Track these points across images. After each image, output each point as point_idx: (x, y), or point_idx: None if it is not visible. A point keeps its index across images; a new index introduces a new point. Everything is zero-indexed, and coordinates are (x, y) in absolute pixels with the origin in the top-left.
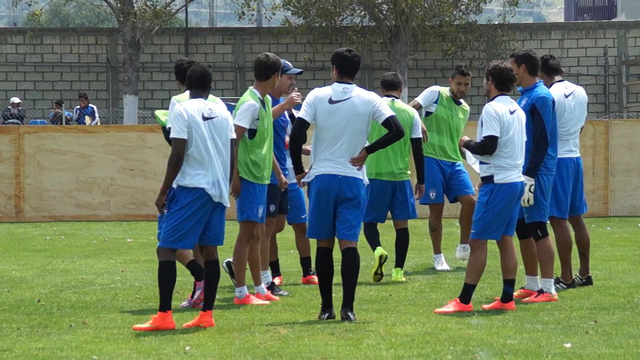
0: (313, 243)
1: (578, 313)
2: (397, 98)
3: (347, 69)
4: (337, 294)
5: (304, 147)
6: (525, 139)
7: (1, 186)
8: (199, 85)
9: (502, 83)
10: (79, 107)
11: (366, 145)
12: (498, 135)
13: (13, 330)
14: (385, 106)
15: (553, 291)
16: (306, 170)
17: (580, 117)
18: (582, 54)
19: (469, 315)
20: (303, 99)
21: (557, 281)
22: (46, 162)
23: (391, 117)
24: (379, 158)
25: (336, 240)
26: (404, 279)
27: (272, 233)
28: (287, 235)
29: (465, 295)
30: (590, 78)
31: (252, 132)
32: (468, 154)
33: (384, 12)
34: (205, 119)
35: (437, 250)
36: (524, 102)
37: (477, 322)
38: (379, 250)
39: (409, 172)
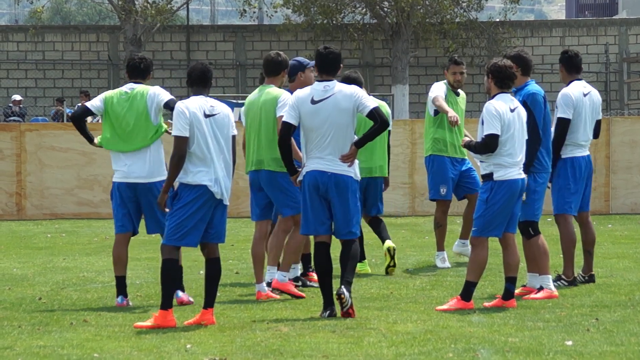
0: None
1: (579, 311)
2: None
3: (324, 66)
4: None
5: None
6: (526, 136)
7: (2, 184)
8: (200, 83)
9: (502, 81)
10: (80, 104)
11: (354, 139)
12: (499, 134)
13: (14, 328)
14: (368, 98)
15: (552, 287)
16: (299, 170)
17: (594, 118)
18: (583, 51)
19: (470, 312)
20: None
21: (558, 278)
22: (47, 160)
23: (374, 108)
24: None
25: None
26: (369, 269)
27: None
28: None
29: (467, 292)
30: (592, 75)
31: None
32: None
33: (385, 9)
34: (206, 116)
35: (440, 248)
36: None
37: (479, 319)
38: (387, 244)
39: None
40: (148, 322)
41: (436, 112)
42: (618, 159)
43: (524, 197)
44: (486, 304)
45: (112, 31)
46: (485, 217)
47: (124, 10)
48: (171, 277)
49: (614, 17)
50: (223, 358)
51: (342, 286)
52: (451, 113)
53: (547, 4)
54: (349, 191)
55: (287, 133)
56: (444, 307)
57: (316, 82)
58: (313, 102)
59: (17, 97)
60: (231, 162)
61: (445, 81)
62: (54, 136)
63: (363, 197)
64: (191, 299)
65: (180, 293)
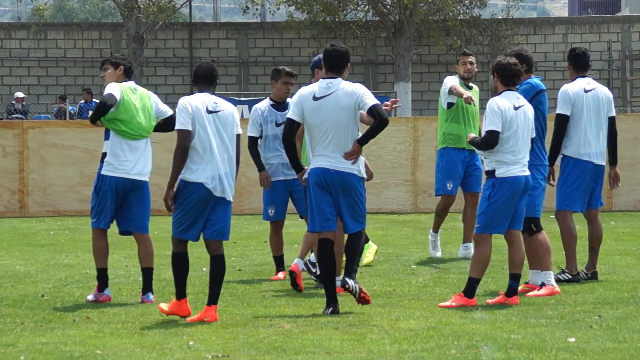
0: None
1: (582, 307)
2: None
3: (330, 64)
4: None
5: None
6: (532, 135)
7: (5, 181)
8: (206, 81)
9: (508, 78)
10: (83, 101)
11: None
12: (499, 130)
13: (17, 325)
14: (369, 96)
15: (554, 283)
16: (305, 167)
17: (600, 114)
18: (587, 49)
19: (472, 309)
20: None
21: (562, 272)
22: (50, 157)
23: (374, 105)
24: None
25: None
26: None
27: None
28: (290, 230)
29: (469, 289)
30: (594, 73)
31: None
32: None
33: (388, 6)
34: (209, 112)
35: (435, 229)
36: None
37: (481, 316)
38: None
39: None
40: (166, 308)
41: (449, 106)
42: (621, 156)
43: None
44: (489, 300)
45: (114, 28)
46: (488, 213)
47: (127, 7)
48: (179, 269)
49: (616, 15)
50: (226, 355)
51: (344, 277)
52: (466, 94)
53: (550, 1)
54: (352, 189)
55: (291, 130)
56: (447, 303)
57: (321, 80)
58: (315, 98)
59: (20, 95)
60: (235, 160)
61: (456, 75)
62: (57, 133)
63: None
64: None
65: (151, 296)
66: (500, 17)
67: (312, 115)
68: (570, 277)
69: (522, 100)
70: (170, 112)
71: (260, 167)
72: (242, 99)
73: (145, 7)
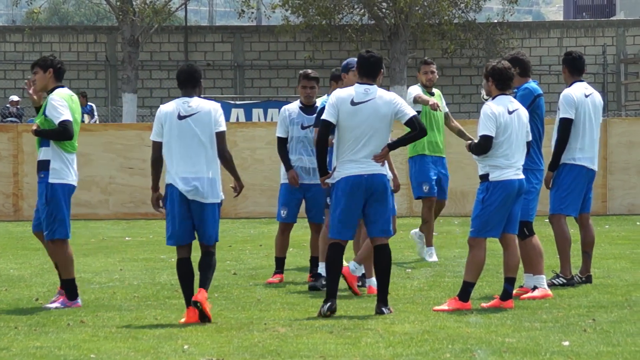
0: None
1: (576, 311)
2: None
3: (365, 70)
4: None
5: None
6: (527, 138)
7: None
8: (188, 84)
9: (502, 82)
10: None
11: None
12: (493, 135)
13: (11, 329)
14: (407, 106)
15: (546, 287)
16: (330, 172)
17: (596, 120)
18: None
19: (467, 313)
20: None
21: (556, 276)
22: None
23: (414, 116)
24: None
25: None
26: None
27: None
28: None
29: (464, 293)
30: (589, 76)
31: None
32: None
33: (384, 10)
34: (181, 117)
35: (429, 243)
36: None
37: (476, 320)
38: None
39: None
40: (183, 319)
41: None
42: (615, 160)
43: None
44: (484, 304)
45: (109, 32)
46: (482, 217)
47: (122, 10)
48: (182, 276)
49: (611, 19)
50: (220, 359)
51: (381, 306)
52: (431, 101)
53: (545, 5)
54: (385, 191)
55: (326, 131)
56: (442, 307)
57: (357, 84)
58: (353, 103)
59: (15, 98)
60: (216, 160)
61: (418, 84)
62: None
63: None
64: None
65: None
66: (495, 21)
67: (348, 119)
68: (564, 281)
69: (516, 104)
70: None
71: (288, 166)
72: (238, 102)
73: (140, 10)
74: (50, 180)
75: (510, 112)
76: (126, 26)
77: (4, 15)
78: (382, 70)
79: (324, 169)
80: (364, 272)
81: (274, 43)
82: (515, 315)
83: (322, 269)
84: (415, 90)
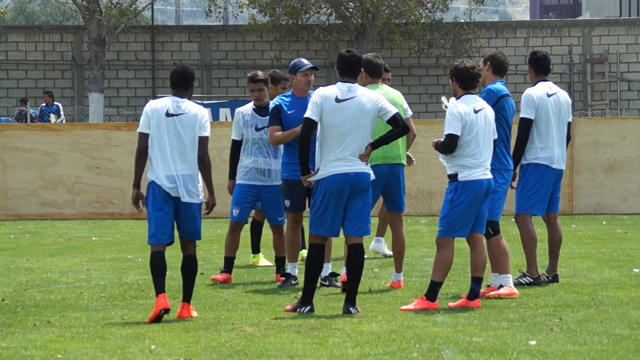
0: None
1: (543, 310)
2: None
3: (347, 69)
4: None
5: None
6: (493, 137)
7: None
8: (180, 86)
9: (466, 82)
10: (44, 104)
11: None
12: (458, 135)
13: None
14: (389, 104)
15: (512, 286)
16: (312, 172)
17: (561, 119)
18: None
19: (434, 312)
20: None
21: (523, 275)
22: (11, 160)
23: (397, 114)
24: None
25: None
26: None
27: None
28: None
29: (431, 292)
30: (556, 76)
31: None
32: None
33: (350, 10)
34: (169, 115)
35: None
36: None
37: (443, 319)
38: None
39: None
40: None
41: None
42: (581, 160)
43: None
44: (451, 304)
45: (76, 31)
46: (451, 217)
47: (88, 10)
48: (156, 270)
49: (577, 19)
50: (188, 359)
51: (349, 305)
52: None
53: (512, 5)
54: (369, 188)
55: (309, 129)
56: (409, 307)
57: (339, 83)
58: (338, 100)
59: None
60: (201, 161)
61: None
62: (18, 137)
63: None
64: None
65: None
66: (462, 21)
67: (332, 116)
68: (531, 280)
69: (482, 103)
70: None
71: (232, 174)
72: (205, 102)
73: (107, 10)
74: None
75: (476, 112)
76: (92, 25)
77: None
78: (362, 69)
79: (306, 168)
80: (331, 271)
81: (241, 43)
82: (483, 315)
83: (290, 269)
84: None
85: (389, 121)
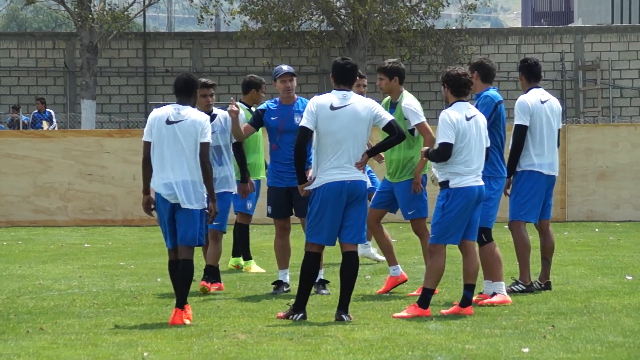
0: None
1: (536, 318)
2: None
3: (341, 77)
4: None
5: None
6: (485, 144)
7: None
8: (182, 93)
9: (458, 89)
10: (36, 111)
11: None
12: (452, 143)
13: None
14: (384, 111)
15: (505, 293)
16: (308, 180)
17: (554, 126)
18: (539, 60)
19: (427, 320)
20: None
21: (515, 283)
22: (3, 167)
23: (392, 121)
24: None
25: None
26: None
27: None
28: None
29: (424, 300)
30: (547, 83)
31: None
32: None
33: (342, 17)
34: (169, 122)
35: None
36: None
37: (436, 327)
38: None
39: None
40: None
41: None
42: (574, 167)
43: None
44: (443, 311)
45: (68, 38)
46: (442, 224)
47: (80, 17)
48: (173, 278)
49: (569, 26)
50: None
51: (341, 313)
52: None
53: (504, 12)
54: (365, 196)
55: (305, 138)
56: (401, 314)
57: (334, 91)
58: (333, 108)
59: None
60: (198, 168)
61: None
62: (10, 143)
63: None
64: None
65: None
66: (454, 28)
67: (328, 124)
68: (524, 287)
69: (474, 110)
70: None
71: None
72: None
73: (99, 16)
74: None
75: (468, 119)
76: (85, 32)
77: None
78: (357, 77)
79: (302, 176)
80: (321, 277)
81: (232, 49)
82: (475, 322)
83: (281, 276)
84: None
85: (385, 128)
